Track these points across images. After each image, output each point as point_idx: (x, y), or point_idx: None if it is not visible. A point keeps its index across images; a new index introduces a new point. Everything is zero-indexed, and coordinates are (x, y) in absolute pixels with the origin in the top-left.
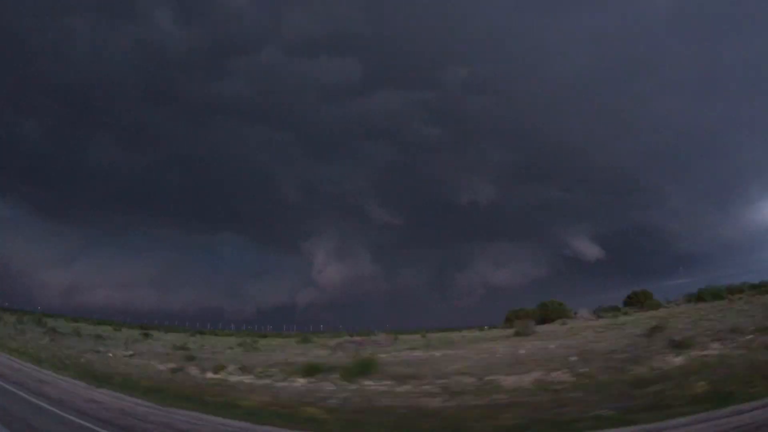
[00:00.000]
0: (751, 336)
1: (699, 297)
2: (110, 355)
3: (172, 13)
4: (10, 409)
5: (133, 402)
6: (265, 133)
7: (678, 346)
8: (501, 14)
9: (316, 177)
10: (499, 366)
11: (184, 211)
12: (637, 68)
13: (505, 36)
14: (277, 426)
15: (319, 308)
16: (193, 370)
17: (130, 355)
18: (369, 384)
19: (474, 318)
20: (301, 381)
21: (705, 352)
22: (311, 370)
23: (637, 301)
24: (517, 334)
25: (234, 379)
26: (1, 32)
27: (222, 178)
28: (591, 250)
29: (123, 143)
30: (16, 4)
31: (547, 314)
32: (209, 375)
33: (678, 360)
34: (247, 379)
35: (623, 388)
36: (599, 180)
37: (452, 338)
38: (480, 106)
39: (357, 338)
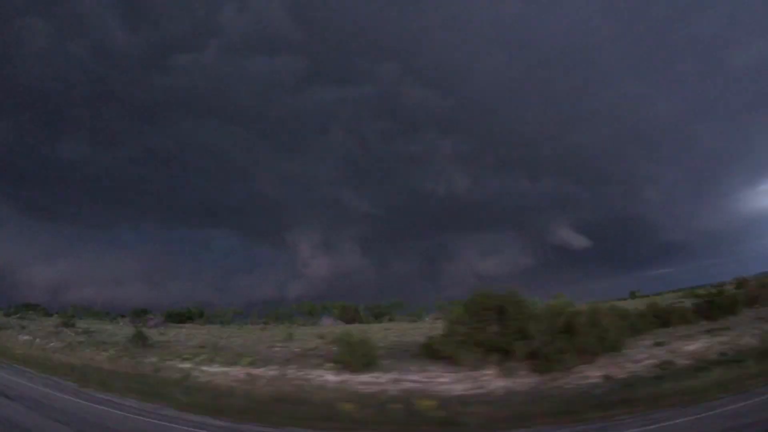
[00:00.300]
0: None
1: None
2: None
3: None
4: None
5: None
6: (222, 128)
7: None
8: (434, 10)
9: (287, 170)
10: None
11: (162, 206)
12: (581, 57)
13: (440, 31)
14: None
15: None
16: None
17: None
18: None
19: None
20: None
21: None
22: None
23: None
24: None
25: None
26: None
27: (196, 172)
28: (576, 240)
29: (90, 140)
30: None
31: None
32: None
33: None
34: None
35: None
36: (562, 170)
37: None
38: (420, 98)
39: None
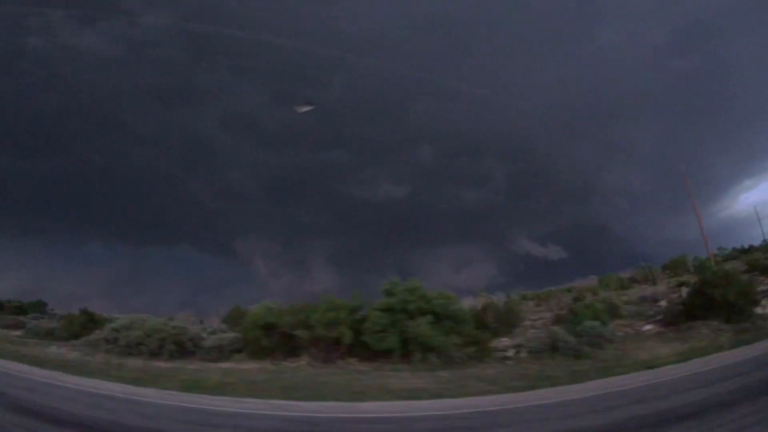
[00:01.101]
0: None
1: None
2: None
3: None
4: None
5: None
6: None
7: None
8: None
9: (212, 182)
10: None
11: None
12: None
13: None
14: None
15: None
16: None
17: None
18: None
19: None
20: None
21: None
22: None
23: None
24: None
25: None
26: None
27: (131, 182)
28: (551, 252)
29: (13, 151)
30: None
31: None
32: None
33: None
34: None
35: None
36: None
37: None
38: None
39: None
